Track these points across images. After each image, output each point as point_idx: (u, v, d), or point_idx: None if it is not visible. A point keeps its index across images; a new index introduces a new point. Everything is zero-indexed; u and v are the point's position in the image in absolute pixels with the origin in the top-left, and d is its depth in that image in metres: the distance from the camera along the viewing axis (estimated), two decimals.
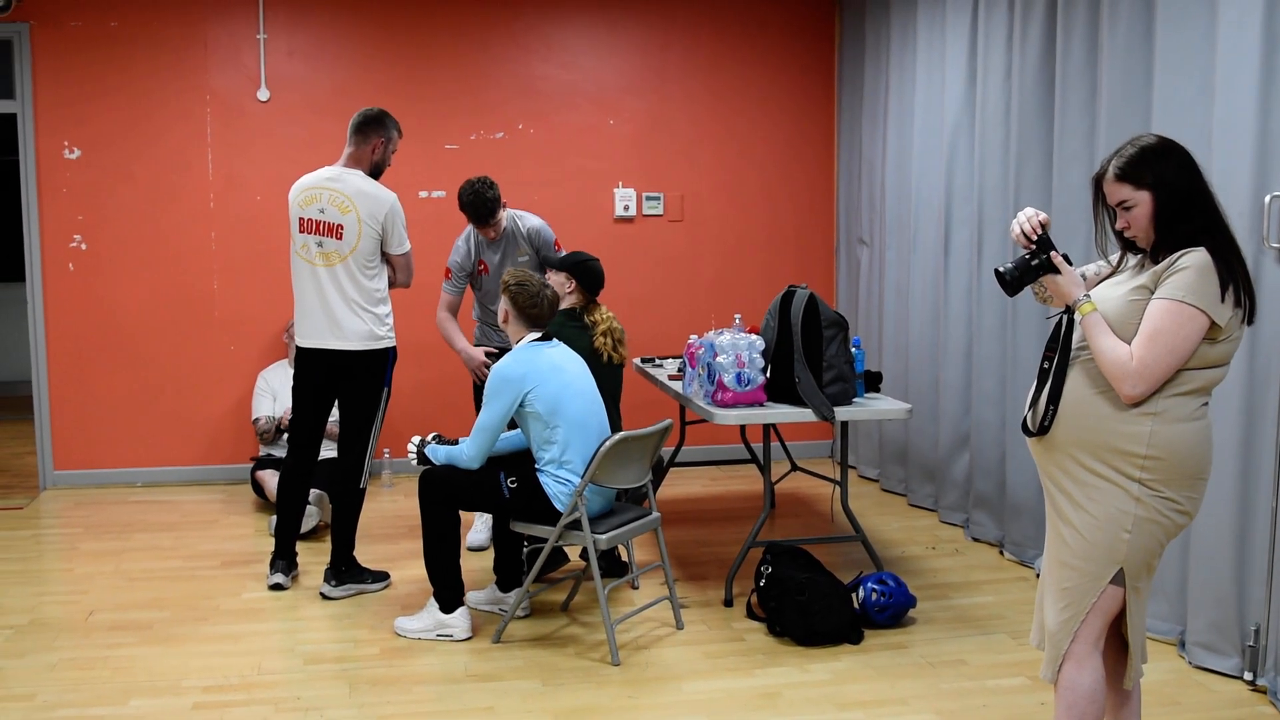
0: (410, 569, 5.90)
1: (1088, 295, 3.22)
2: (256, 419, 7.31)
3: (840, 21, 8.23)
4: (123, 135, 7.71)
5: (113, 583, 5.92)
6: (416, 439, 5.13)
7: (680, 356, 6.47)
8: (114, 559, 6.30)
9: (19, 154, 7.70)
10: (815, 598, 4.94)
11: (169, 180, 7.76)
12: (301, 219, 5.51)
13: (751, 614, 5.26)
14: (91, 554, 6.43)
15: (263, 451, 7.30)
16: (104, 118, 7.69)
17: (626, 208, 8.12)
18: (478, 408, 6.31)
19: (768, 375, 5.32)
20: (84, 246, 7.72)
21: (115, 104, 7.69)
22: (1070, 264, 3.27)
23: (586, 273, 5.67)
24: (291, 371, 7.10)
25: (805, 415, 5.22)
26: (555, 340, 5.03)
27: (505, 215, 6.20)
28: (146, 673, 4.77)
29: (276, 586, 5.69)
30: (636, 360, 6.78)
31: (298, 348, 5.65)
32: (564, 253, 6.10)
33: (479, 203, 6.01)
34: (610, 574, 5.59)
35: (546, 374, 4.81)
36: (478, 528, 6.37)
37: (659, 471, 5.51)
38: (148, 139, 7.73)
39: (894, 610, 5.11)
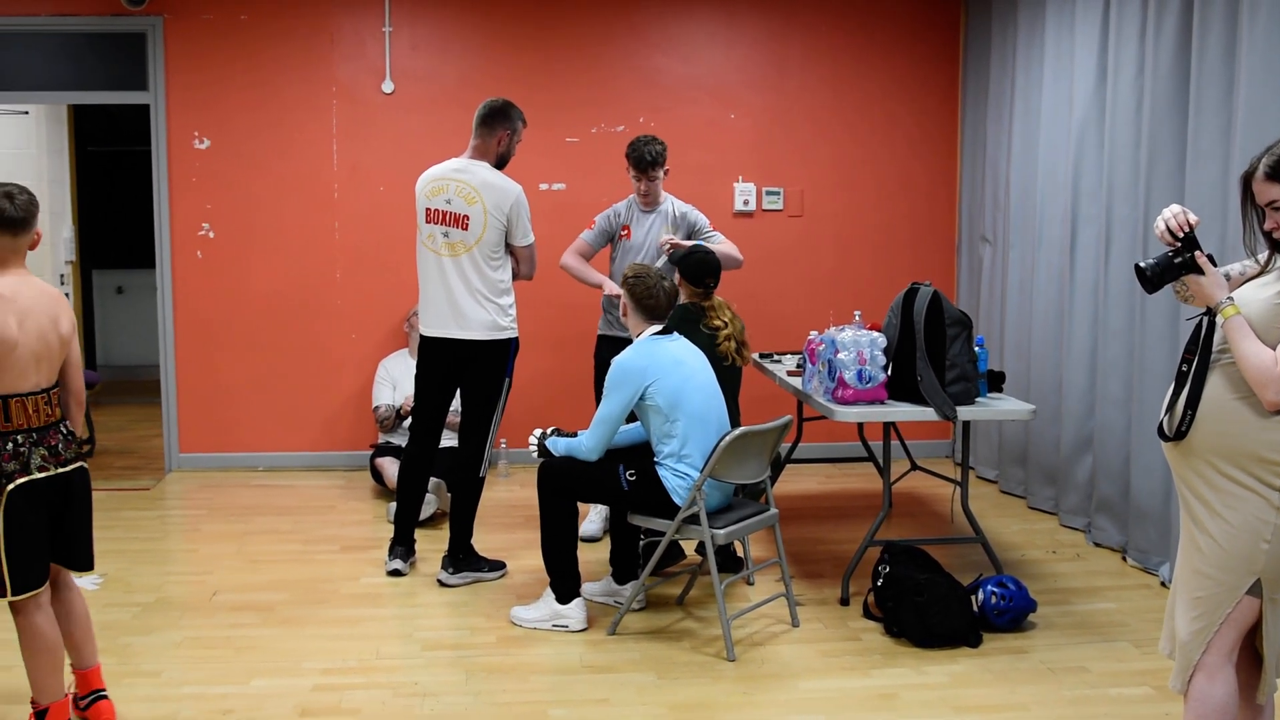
0: (526, 559, 5.94)
1: (1230, 298, 3.13)
2: (376, 407, 7.41)
3: (965, 17, 8.11)
4: (251, 126, 7.86)
5: (235, 564, 6.04)
6: (538, 431, 5.17)
7: (799, 352, 6.42)
8: (236, 541, 6.42)
9: (151, 144, 7.89)
10: (934, 599, 4.88)
11: (295, 170, 7.90)
12: (428, 209, 5.56)
13: (868, 613, 5.21)
14: (215, 535, 6.57)
15: (382, 439, 7.39)
16: (233, 109, 7.85)
17: (746, 202, 8.08)
18: (598, 400, 6.36)
19: (889, 373, 5.26)
20: (212, 235, 7.89)
21: (244, 96, 7.84)
22: (1215, 264, 3.18)
23: (687, 264, 5.64)
24: (411, 360, 7.24)
25: (926, 414, 5.15)
26: (676, 334, 5.02)
27: (665, 196, 6.24)
28: (267, 653, 4.86)
29: (395, 573, 5.76)
30: (754, 355, 6.75)
31: (422, 336, 5.71)
32: (720, 235, 6.12)
33: (644, 150, 6.05)
34: (725, 569, 5.56)
35: (668, 367, 4.80)
36: (591, 519, 6.39)
37: (776, 467, 5.46)
38: (275, 130, 7.87)
39: (1014, 614, 5.02)
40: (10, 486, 3.75)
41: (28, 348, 3.77)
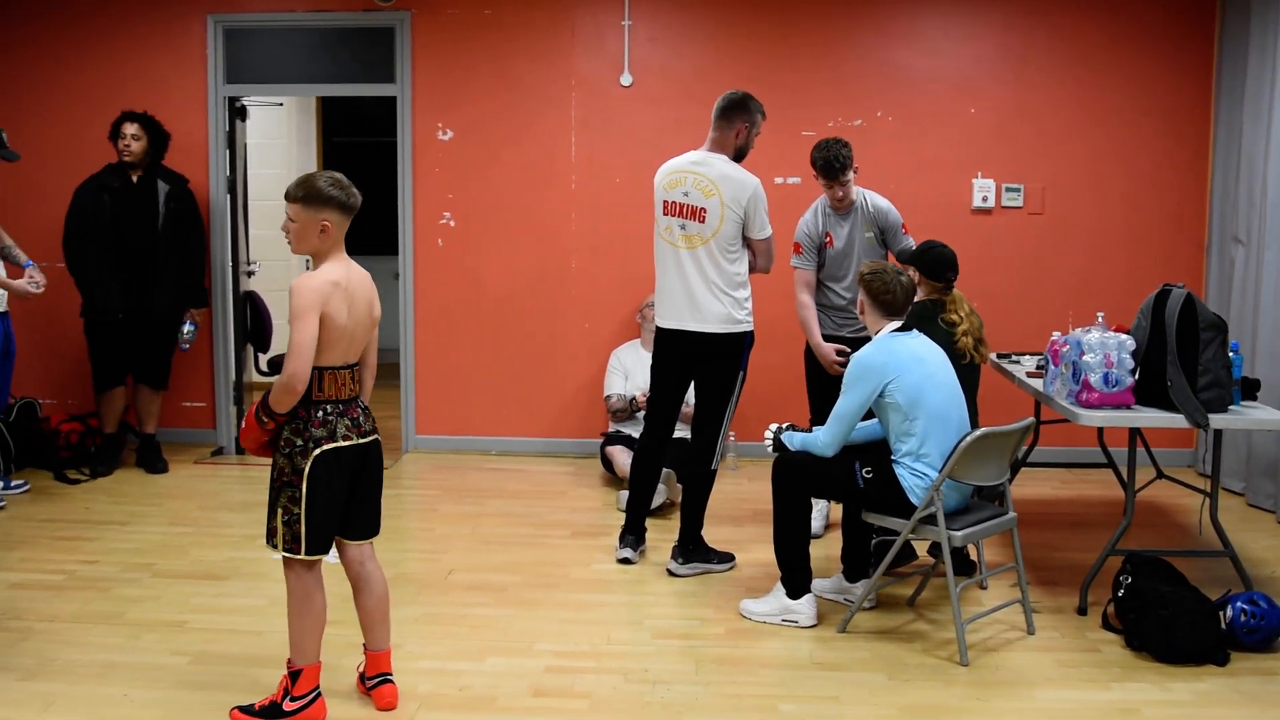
0: (754, 552, 5.93)
1: None
2: (608, 396, 7.50)
3: (1221, 9, 7.77)
4: (492, 118, 8.05)
5: (469, 545, 6.20)
6: (773, 426, 5.15)
7: (1038, 353, 6.26)
8: (470, 522, 6.59)
9: (397, 135, 8.15)
10: (1179, 613, 4.69)
11: (533, 161, 8.06)
12: (666, 202, 5.60)
13: (1107, 624, 5.04)
14: (449, 516, 6.75)
15: (612, 427, 7.48)
16: (475, 101, 8.05)
17: (985, 199, 7.91)
18: (812, 397, 6.31)
19: (1136, 377, 5.08)
20: (452, 223, 8.11)
21: (486, 88, 8.03)
22: None
23: (925, 260, 5.54)
24: (643, 351, 7.32)
25: (1175, 420, 4.96)
26: (915, 330, 4.94)
27: (856, 190, 6.15)
28: (501, 633, 4.97)
29: (625, 560, 5.83)
30: (992, 355, 6.60)
31: (657, 328, 5.75)
32: (911, 239, 6.01)
33: (830, 156, 5.96)
34: (959, 572, 5.46)
35: (908, 364, 4.73)
36: (811, 515, 6.33)
37: (1012, 470, 5.34)
38: (515, 122, 8.04)
39: (1265, 633, 4.79)
40: (317, 451, 3.96)
41: (349, 331, 4.00)
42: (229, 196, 8.22)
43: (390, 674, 4.30)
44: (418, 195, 8.11)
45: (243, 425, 4.13)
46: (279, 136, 10.28)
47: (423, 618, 5.15)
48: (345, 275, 4.01)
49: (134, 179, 7.50)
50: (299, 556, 3.98)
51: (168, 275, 7.49)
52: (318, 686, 4.12)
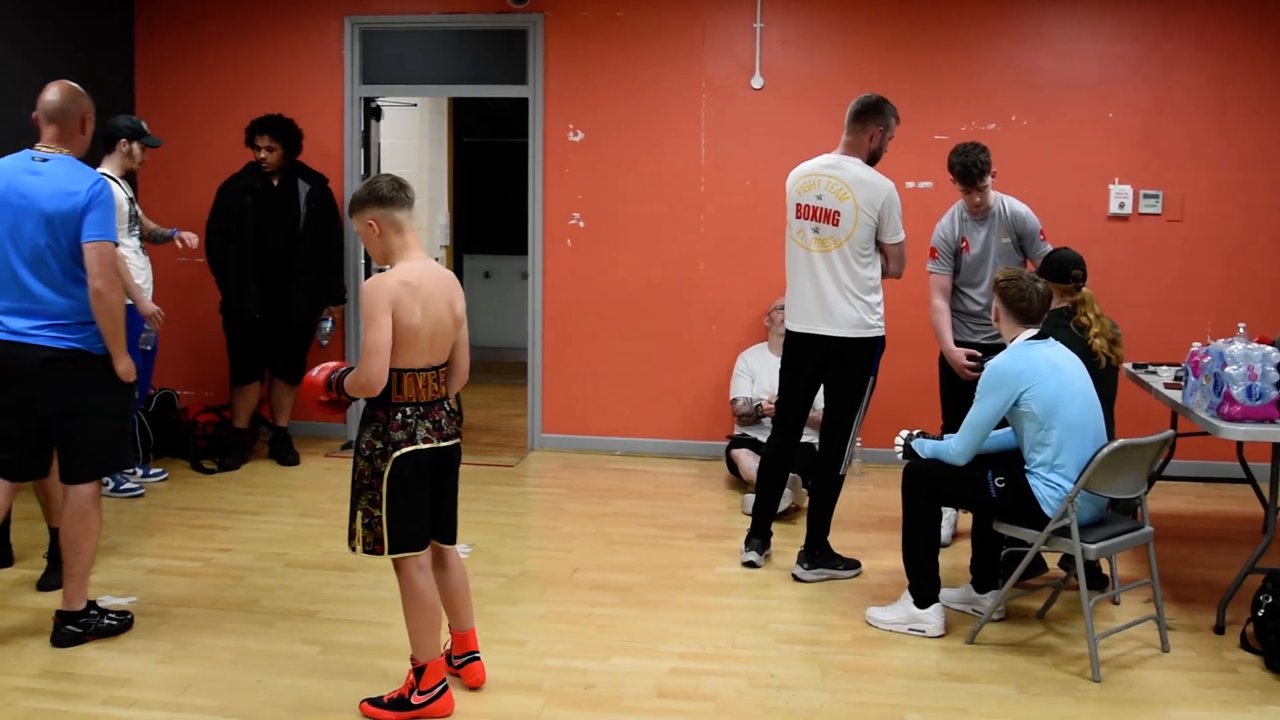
0: (880, 559, 5.88)
1: None
2: (734, 399, 7.48)
3: None
4: (622, 120, 8.08)
5: (594, 544, 6.23)
6: (904, 433, 5.10)
7: (1175, 364, 6.12)
8: (595, 521, 6.62)
9: (528, 136, 8.22)
10: None
11: (662, 163, 8.08)
12: (799, 204, 5.58)
13: (1246, 645, 4.90)
14: (575, 515, 6.79)
15: (738, 431, 7.46)
16: (606, 103, 8.09)
17: (1121, 205, 7.74)
18: (945, 404, 6.23)
19: None
20: (582, 224, 8.16)
21: (617, 90, 8.08)
22: None
23: (1049, 264, 5.46)
24: (770, 355, 7.31)
25: None
26: (1052, 339, 4.86)
27: (994, 196, 6.07)
28: (626, 633, 4.98)
29: (750, 564, 5.81)
30: (1128, 365, 6.46)
31: (787, 331, 5.72)
32: (1049, 246, 5.91)
33: (968, 161, 5.90)
34: (1092, 586, 5.34)
35: (1044, 373, 4.65)
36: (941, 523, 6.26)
37: (1148, 483, 5.22)
38: (645, 124, 8.07)
39: None
40: (396, 454, 4.01)
41: (425, 331, 4.01)
42: None
43: (477, 652, 4.39)
44: (548, 196, 8.18)
45: (312, 375, 4.19)
46: (411, 136, 10.43)
47: (547, 615, 5.18)
48: (417, 275, 4.01)
49: (275, 182, 7.67)
50: (382, 556, 4.06)
51: (307, 274, 7.66)
52: (444, 680, 4.18)
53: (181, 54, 8.46)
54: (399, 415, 4.03)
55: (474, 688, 4.35)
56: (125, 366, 4.70)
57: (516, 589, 5.51)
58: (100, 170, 6.58)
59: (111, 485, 6.92)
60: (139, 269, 6.66)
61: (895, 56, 7.81)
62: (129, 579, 5.50)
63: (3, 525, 5.61)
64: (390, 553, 4.04)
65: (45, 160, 4.59)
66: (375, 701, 4.17)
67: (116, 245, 4.66)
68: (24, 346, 4.56)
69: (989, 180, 5.95)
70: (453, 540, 4.31)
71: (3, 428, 4.69)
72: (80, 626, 4.75)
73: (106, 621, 4.83)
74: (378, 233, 4.05)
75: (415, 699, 4.12)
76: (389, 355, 3.92)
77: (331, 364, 4.23)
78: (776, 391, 5.95)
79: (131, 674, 4.49)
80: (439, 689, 4.15)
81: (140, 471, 7.23)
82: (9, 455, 4.72)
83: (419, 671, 4.14)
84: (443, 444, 4.13)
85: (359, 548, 4.07)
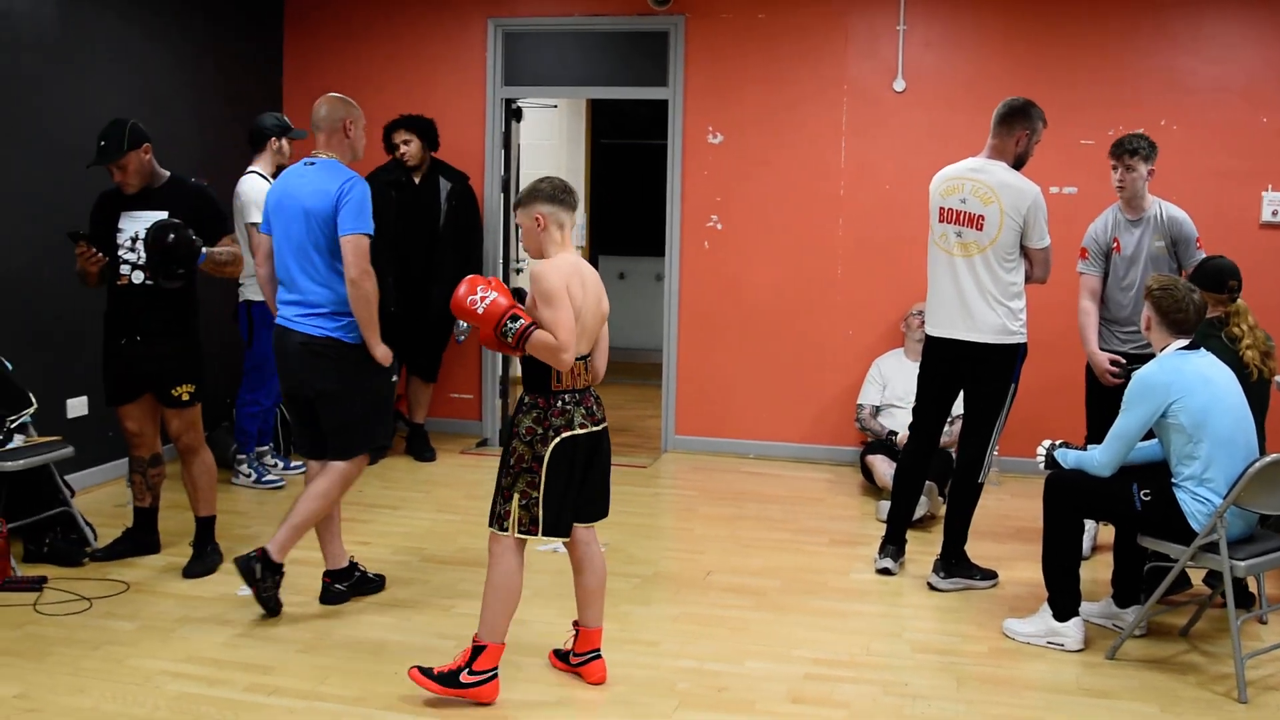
0: (1017, 570, 5.78)
1: None
2: (860, 405, 7.43)
3: None
4: (762, 122, 8.05)
5: (727, 546, 6.22)
6: (1046, 442, 5.01)
7: None
8: (728, 524, 6.61)
9: (665, 137, 8.24)
10: None
11: (802, 166, 8.03)
12: (942, 209, 5.51)
13: None
14: (708, 517, 6.79)
15: (872, 436, 7.38)
16: (746, 105, 8.07)
17: (1275, 213, 7.49)
18: (1090, 414, 6.10)
19: None
20: (719, 226, 8.15)
21: (757, 92, 8.05)
22: None
23: (1204, 272, 5.33)
24: (906, 361, 7.24)
25: None
26: (1203, 350, 4.73)
27: (1151, 200, 5.93)
28: (759, 637, 4.97)
29: (884, 571, 5.75)
30: (1278, 379, 6.28)
31: (927, 336, 5.66)
32: (1202, 253, 5.76)
33: (1126, 137, 5.84)
34: (1239, 604, 5.19)
35: (1194, 385, 4.53)
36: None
37: None
38: (785, 126, 8.03)
39: None
40: (556, 440, 4.15)
41: (583, 320, 4.18)
42: (503, 195, 8.44)
43: (600, 650, 4.45)
44: (686, 197, 8.19)
45: (492, 306, 4.11)
46: (549, 137, 10.54)
47: (681, 617, 5.19)
48: (575, 265, 4.18)
49: (417, 179, 7.79)
50: (536, 537, 4.17)
51: (447, 271, 7.73)
52: (496, 667, 4.24)
53: (328, 53, 8.64)
54: (559, 403, 4.19)
55: (595, 684, 4.40)
56: (382, 352, 5.05)
57: (650, 589, 5.53)
58: (252, 169, 6.75)
59: (254, 477, 7.10)
60: None
61: (1040, 59, 7.66)
62: None
63: (151, 513, 5.79)
64: (543, 534, 4.17)
65: (312, 164, 5.06)
66: (426, 672, 4.24)
67: (370, 236, 4.99)
68: (288, 332, 5.01)
69: (1141, 168, 5.81)
70: (605, 513, 4.46)
71: (289, 411, 5.34)
72: (345, 586, 5.29)
73: (370, 577, 5.42)
74: (542, 227, 4.21)
75: (465, 677, 4.19)
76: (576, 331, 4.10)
77: (498, 299, 4.12)
78: (906, 398, 5.88)
79: (273, 662, 4.60)
80: (490, 674, 4.22)
81: (282, 464, 7.40)
82: (303, 437, 5.23)
83: (477, 650, 4.20)
84: (595, 428, 4.29)
85: (513, 528, 4.17)
